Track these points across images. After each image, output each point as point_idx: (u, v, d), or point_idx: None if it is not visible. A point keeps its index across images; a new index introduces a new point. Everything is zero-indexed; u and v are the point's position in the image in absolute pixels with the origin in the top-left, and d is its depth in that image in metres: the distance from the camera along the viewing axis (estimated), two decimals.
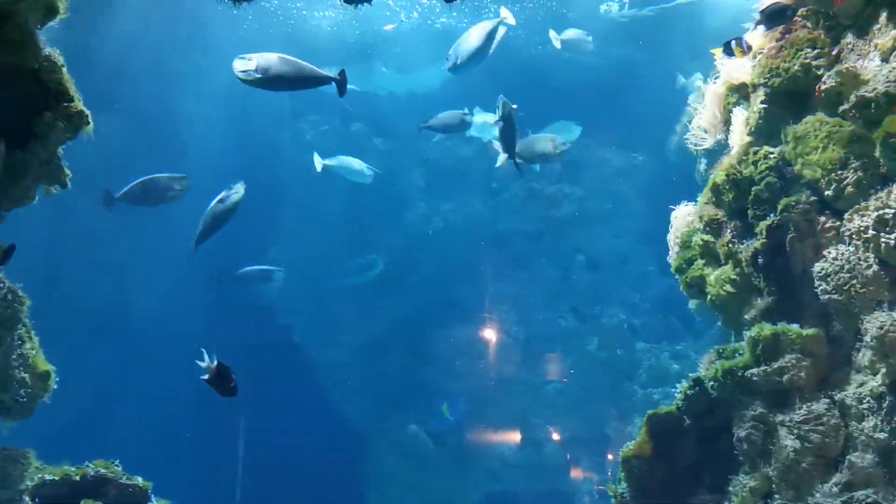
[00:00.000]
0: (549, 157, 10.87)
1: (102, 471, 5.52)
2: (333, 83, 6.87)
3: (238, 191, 8.55)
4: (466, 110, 10.86)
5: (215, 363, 5.39)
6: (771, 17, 5.07)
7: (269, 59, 6.64)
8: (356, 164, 13.59)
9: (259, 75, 6.56)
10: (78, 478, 5.45)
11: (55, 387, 5.03)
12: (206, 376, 5.48)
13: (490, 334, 16.47)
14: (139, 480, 5.63)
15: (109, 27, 13.51)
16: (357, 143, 16.12)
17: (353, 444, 16.57)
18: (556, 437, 16.26)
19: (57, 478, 5.36)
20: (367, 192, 15.67)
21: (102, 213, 15.46)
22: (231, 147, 15.59)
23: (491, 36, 9.04)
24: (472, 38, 9.00)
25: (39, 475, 5.38)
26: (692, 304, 9.15)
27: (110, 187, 10.41)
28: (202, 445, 15.84)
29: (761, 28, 5.23)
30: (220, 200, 8.71)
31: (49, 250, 14.60)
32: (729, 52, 5.28)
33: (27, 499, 5.25)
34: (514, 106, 8.14)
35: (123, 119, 15.02)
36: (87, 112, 5.14)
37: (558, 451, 16.17)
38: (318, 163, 13.07)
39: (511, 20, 9.37)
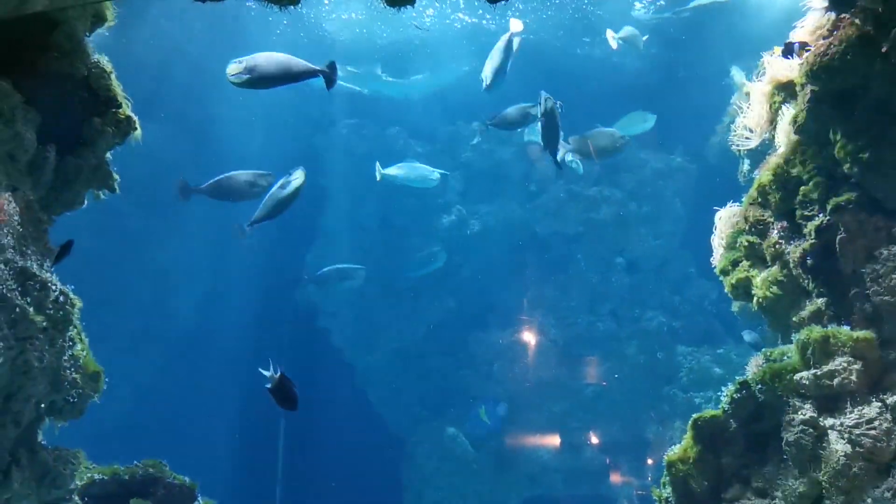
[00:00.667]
0: (610, 151, 10.97)
1: (151, 470, 5.60)
2: (322, 76, 6.96)
3: (298, 177, 8.61)
4: (531, 104, 10.87)
5: (279, 373, 5.50)
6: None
7: (257, 58, 6.79)
8: (418, 169, 13.56)
9: (247, 76, 6.66)
10: (127, 477, 5.55)
11: (104, 387, 5.11)
12: (269, 385, 5.61)
13: (528, 337, 16.42)
14: (186, 480, 5.71)
15: (152, 33, 13.74)
16: (394, 147, 16.20)
17: (392, 447, 16.63)
18: (595, 441, 16.15)
19: (106, 477, 5.46)
20: (404, 196, 15.74)
21: (146, 218, 15.76)
22: (270, 151, 15.73)
23: (508, 48, 9.21)
24: (494, 56, 9.20)
25: (89, 474, 5.48)
26: (735, 306, 9.03)
27: (186, 179, 10.49)
28: (243, 447, 16.02)
29: (812, 20, 5.12)
30: (281, 186, 8.73)
31: (93, 253, 14.87)
32: (789, 53, 5.17)
33: (76, 498, 5.34)
34: (559, 102, 8.13)
35: (165, 125, 15.25)
36: (135, 118, 5.24)
37: (597, 456, 16.05)
38: (379, 172, 13.11)
39: (519, 27, 9.53)
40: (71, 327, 4.63)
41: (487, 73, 9.16)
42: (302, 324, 17.03)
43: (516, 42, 9.34)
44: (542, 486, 16.12)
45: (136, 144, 5.42)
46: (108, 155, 5.35)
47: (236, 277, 16.51)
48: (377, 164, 13.14)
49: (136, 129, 5.24)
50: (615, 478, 15.87)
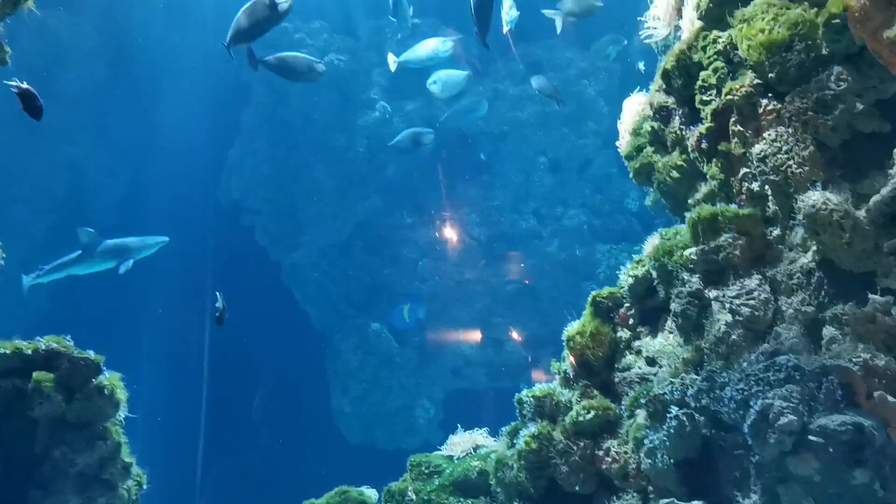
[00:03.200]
0: (585, 13, 11.17)
1: (54, 345, 5.61)
2: None
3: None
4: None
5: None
6: None
7: None
8: (428, 45, 13.10)
9: None
10: (30, 352, 5.54)
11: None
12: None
13: (453, 235, 16.63)
14: (91, 354, 5.73)
15: None
16: (317, 42, 15.81)
17: (317, 343, 16.87)
18: (516, 336, 16.65)
19: (8, 351, 5.45)
20: (326, 92, 15.48)
21: (57, 112, 15.14)
22: (184, 42, 15.20)
23: None
24: None
25: None
26: (648, 200, 9.30)
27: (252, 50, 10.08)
28: (164, 346, 16.00)
29: None
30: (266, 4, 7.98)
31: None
32: None
33: None
34: None
35: (72, 13, 14.53)
36: None
37: (519, 350, 16.59)
38: (393, 62, 12.80)
39: None
40: None
41: None
42: (225, 222, 16.87)
43: None
44: (464, 380, 16.66)
45: (38, 29, 5.20)
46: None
47: (156, 174, 16.15)
48: (390, 54, 12.88)
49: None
50: (536, 371, 16.46)
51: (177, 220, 16.05)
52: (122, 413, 5.91)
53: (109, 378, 5.78)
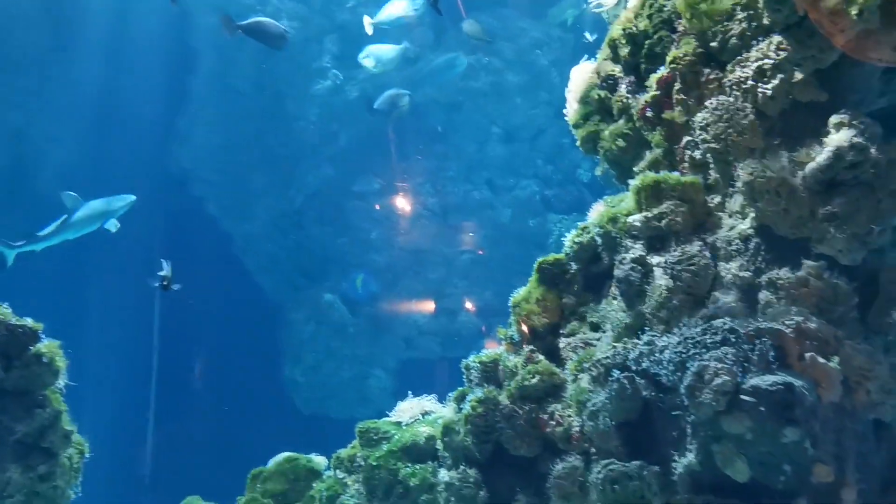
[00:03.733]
0: None
1: None
2: None
3: None
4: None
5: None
6: None
7: None
8: (400, 4, 13.01)
9: None
10: None
11: None
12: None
13: (406, 205, 16.62)
14: (29, 321, 5.63)
15: None
16: (267, 8, 15.52)
17: (269, 313, 16.78)
18: (469, 306, 16.76)
19: None
20: (276, 60, 15.24)
21: (1, 78, 14.70)
22: (129, 7, 14.83)
23: None
24: None
25: None
26: (599, 171, 9.38)
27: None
28: (112, 317, 15.77)
29: None
30: None
31: None
32: None
33: None
34: None
35: None
36: None
37: (472, 320, 16.71)
38: (368, 25, 12.66)
39: None
40: None
41: None
42: (174, 192, 16.60)
43: None
44: (418, 350, 16.75)
45: None
46: None
47: (102, 142, 15.79)
48: (365, 16, 12.73)
49: None
50: (490, 340, 16.59)
51: (124, 189, 15.75)
52: (63, 381, 5.83)
53: (48, 346, 5.69)
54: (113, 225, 12.34)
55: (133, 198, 12.83)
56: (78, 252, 15.44)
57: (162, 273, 6.45)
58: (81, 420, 6.35)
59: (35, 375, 5.64)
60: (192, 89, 16.38)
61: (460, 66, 15.06)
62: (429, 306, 16.75)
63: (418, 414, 6.56)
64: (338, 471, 6.62)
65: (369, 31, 12.90)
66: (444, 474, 5.82)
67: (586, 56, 6.65)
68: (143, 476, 16.24)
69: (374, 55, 13.23)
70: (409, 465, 6.15)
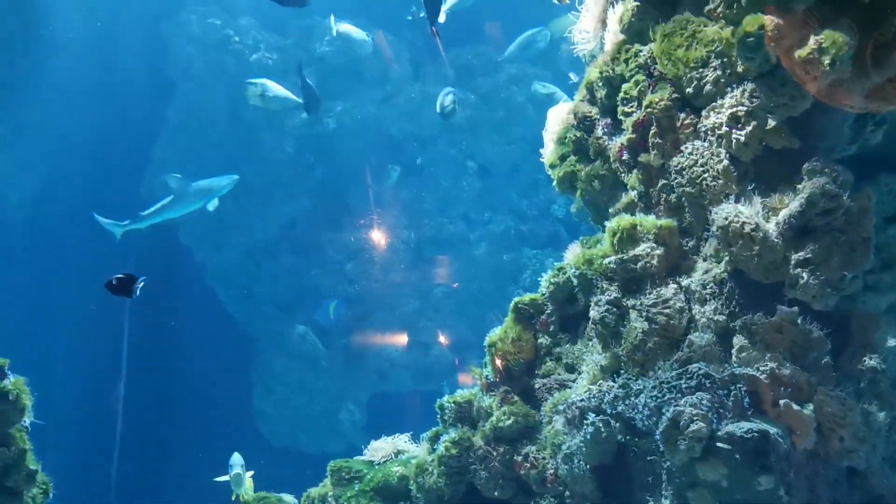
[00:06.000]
0: None
1: None
2: None
3: None
4: None
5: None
6: None
7: None
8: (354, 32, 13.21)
9: None
10: None
11: None
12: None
13: (381, 238, 16.58)
14: None
15: None
16: (246, 39, 15.56)
17: (241, 344, 16.59)
18: (443, 339, 16.68)
19: None
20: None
21: None
22: (111, 34, 14.78)
23: None
24: None
25: None
26: (573, 207, 9.44)
27: None
28: (83, 347, 15.51)
29: None
30: None
31: None
32: None
33: None
34: None
35: None
36: None
37: (445, 354, 16.62)
38: (335, 27, 12.71)
39: None
40: None
41: None
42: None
43: None
44: (390, 383, 16.60)
45: None
46: None
47: (74, 171, 15.63)
48: (331, 16, 12.74)
49: None
50: (463, 374, 16.53)
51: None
52: (28, 419, 5.68)
53: (14, 382, 5.55)
54: (213, 204, 13.38)
55: (236, 177, 13.68)
56: (46, 280, 15.22)
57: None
58: (45, 455, 6.19)
59: (0, 413, 5.50)
60: (168, 118, 16.28)
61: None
62: (402, 339, 16.64)
63: (391, 453, 6.48)
64: None
65: (334, 32, 12.92)
66: None
67: (565, 99, 6.70)
68: None
69: (264, 87, 13.06)
70: None
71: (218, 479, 8.39)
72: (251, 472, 8.19)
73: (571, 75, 10.47)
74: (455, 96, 13.11)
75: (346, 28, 12.93)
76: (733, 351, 4.59)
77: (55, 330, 15.39)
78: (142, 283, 6.45)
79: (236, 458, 8.15)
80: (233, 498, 8.15)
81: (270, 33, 15.83)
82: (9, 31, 14.75)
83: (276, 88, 13.10)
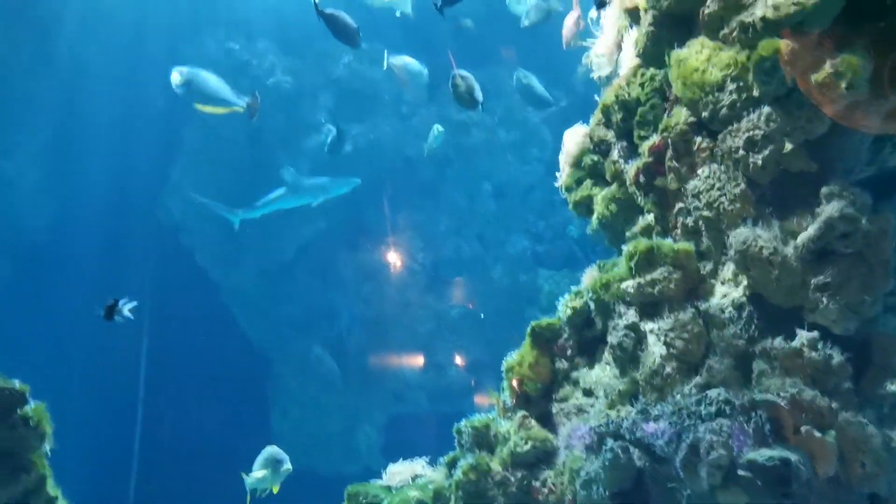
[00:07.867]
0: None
1: None
2: None
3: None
4: None
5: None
6: None
7: None
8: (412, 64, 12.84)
9: None
10: None
11: None
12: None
13: (397, 259, 16.61)
14: (16, 383, 5.54)
15: None
16: (262, 63, 15.72)
17: (257, 365, 16.63)
18: (459, 360, 16.66)
19: None
20: (272, 113, 15.36)
21: None
22: (132, 53, 14.99)
23: None
24: None
25: None
26: (589, 229, 9.44)
27: None
28: (98, 367, 15.61)
29: None
30: None
31: None
32: None
33: None
34: None
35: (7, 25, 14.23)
36: None
37: (462, 375, 16.60)
38: (386, 61, 12.62)
39: None
40: None
41: None
42: (164, 242, 16.56)
43: None
44: (406, 404, 16.57)
45: None
46: None
47: (92, 193, 15.81)
48: (385, 52, 12.66)
49: None
50: (479, 396, 16.48)
51: (114, 238, 15.74)
52: (48, 445, 5.71)
53: (35, 408, 5.58)
54: (318, 202, 14.00)
55: (358, 181, 13.95)
56: (62, 302, 15.33)
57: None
58: (65, 477, 6.21)
59: (21, 438, 5.51)
60: (185, 141, 16.45)
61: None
62: (418, 360, 16.64)
63: (409, 478, 6.45)
64: None
65: (385, 65, 12.76)
66: None
67: (581, 123, 6.72)
68: None
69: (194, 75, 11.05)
70: None
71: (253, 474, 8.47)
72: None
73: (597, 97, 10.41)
74: (440, 131, 13.35)
75: (405, 60, 12.78)
76: (753, 376, 4.56)
77: (73, 353, 15.50)
78: (129, 306, 6.53)
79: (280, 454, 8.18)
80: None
81: (287, 57, 15.99)
82: (28, 56, 15.00)
83: (209, 79, 11.29)
